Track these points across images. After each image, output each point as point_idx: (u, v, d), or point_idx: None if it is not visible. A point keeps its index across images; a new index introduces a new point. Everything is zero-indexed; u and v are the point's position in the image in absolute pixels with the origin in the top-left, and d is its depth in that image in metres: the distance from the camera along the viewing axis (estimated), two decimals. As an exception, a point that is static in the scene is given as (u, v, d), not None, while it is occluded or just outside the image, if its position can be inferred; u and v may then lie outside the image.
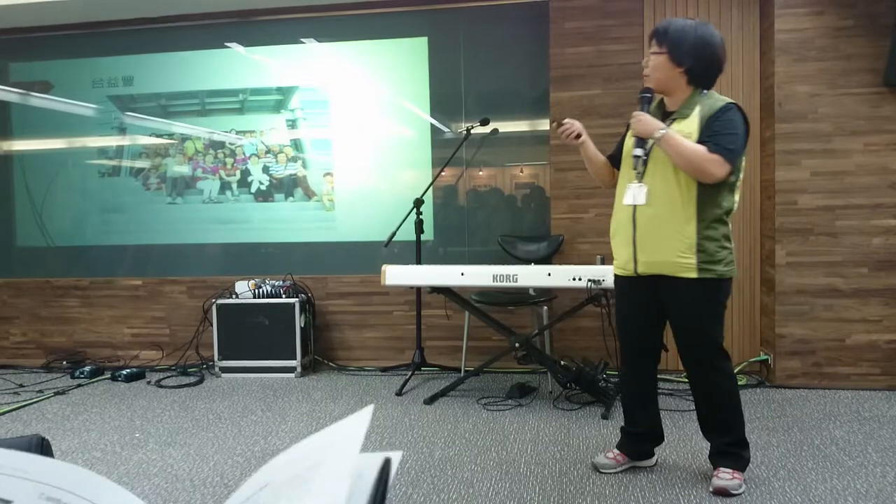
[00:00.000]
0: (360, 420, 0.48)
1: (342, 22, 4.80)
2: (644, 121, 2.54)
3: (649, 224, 2.55)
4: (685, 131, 2.51)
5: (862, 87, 3.91)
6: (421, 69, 4.76)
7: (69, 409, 3.94)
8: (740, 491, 2.55)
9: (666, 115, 2.61)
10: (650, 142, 2.55)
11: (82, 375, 4.63)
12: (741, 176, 2.59)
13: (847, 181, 3.94)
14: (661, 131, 2.49)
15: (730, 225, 2.58)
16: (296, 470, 0.46)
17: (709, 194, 2.50)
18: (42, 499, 0.44)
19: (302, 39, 4.89)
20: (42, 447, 1.94)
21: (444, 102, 4.78)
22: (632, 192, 2.59)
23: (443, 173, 4.49)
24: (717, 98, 2.56)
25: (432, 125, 4.79)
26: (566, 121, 2.80)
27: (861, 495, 2.54)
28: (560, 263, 4.20)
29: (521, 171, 4.84)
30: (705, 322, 2.57)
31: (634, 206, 2.58)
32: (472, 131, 4.29)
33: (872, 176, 3.92)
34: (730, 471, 2.58)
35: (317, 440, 0.49)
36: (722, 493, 2.54)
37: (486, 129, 4.37)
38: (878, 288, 3.93)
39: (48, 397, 4.20)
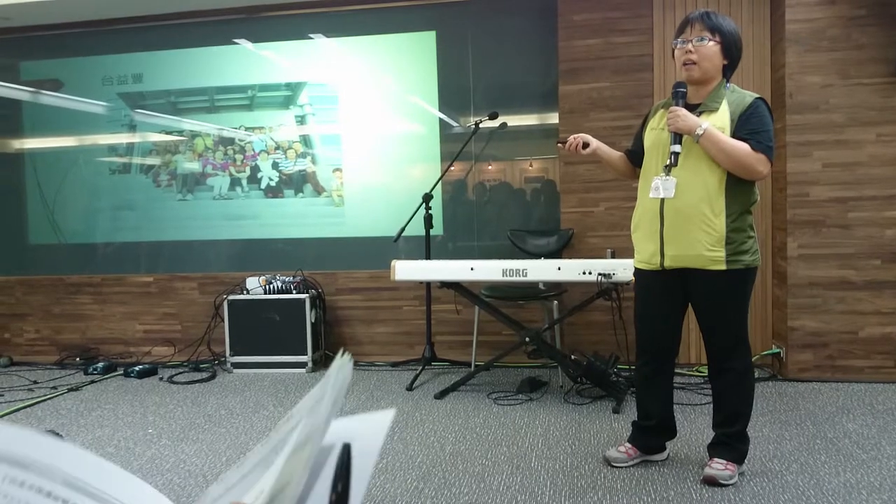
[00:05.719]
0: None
1: (350, 17, 4.80)
2: (683, 116, 2.47)
3: (678, 218, 2.51)
4: (718, 126, 2.47)
5: (874, 77, 3.87)
6: (429, 63, 4.75)
7: (83, 405, 3.98)
8: (731, 482, 2.55)
9: (689, 108, 2.54)
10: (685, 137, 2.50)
11: (95, 372, 4.66)
12: None
13: (859, 172, 3.90)
14: (703, 127, 2.44)
15: (752, 215, 2.58)
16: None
17: (738, 187, 2.48)
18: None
19: (310, 35, 4.89)
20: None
21: (452, 96, 4.76)
22: (658, 186, 2.54)
23: (452, 168, 4.48)
24: (741, 92, 2.54)
25: (441, 119, 4.78)
26: (570, 137, 2.86)
27: (875, 489, 2.52)
28: (570, 257, 4.19)
29: (531, 165, 4.83)
30: (732, 314, 2.58)
31: (662, 200, 2.54)
32: (481, 125, 4.28)
33: (885, 167, 3.88)
34: (723, 461, 2.58)
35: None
36: (711, 482, 2.54)
37: (495, 123, 4.35)
38: (891, 280, 3.90)
39: (62, 394, 4.23)
